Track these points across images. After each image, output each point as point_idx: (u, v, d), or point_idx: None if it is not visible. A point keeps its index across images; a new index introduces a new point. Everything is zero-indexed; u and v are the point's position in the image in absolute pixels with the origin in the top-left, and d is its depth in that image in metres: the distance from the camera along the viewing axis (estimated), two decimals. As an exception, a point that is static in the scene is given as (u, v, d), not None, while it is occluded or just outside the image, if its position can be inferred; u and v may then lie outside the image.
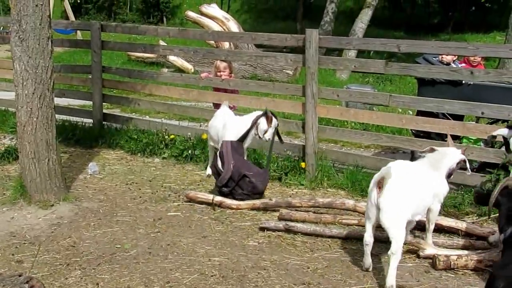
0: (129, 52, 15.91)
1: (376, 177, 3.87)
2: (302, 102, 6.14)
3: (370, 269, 4.07)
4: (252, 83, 6.86)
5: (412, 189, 3.82)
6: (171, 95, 7.27)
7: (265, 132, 5.50)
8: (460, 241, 4.51)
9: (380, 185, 3.79)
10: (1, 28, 20.38)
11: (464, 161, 4.30)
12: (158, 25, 30.34)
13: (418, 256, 4.32)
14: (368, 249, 4.01)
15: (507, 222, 3.19)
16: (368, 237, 3.97)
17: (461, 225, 4.71)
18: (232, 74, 6.94)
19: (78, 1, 32.14)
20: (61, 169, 5.25)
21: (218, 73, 6.84)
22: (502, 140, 4.83)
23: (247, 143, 5.68)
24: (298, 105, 6.26)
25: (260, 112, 5.57)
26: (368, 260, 4.05)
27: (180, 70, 15.08)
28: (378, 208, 3.78)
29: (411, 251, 4.41)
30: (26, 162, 5.04)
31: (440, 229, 4.68)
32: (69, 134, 7.38)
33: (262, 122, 5.49)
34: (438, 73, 5.65)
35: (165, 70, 15.07)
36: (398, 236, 3.70)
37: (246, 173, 5.32)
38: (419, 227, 4.75)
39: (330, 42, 6.13)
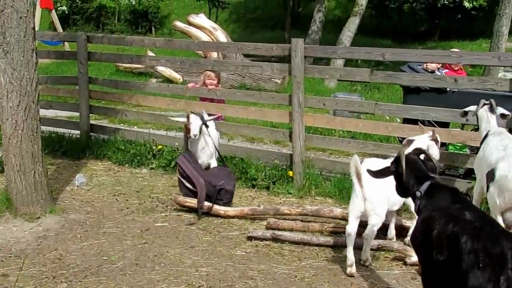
0: (116, 63, 15.89)
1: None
2: (289, 111, 6.16)
3: (354, 269, 4.10)
4: (239, 92, 6.88)
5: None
6: (158, 105, 7.27)
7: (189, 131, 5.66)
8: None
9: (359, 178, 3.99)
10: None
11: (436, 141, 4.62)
12: (147, 35, 30.35)
13: (405, 264, 4.33)
14: (350, 240, 4.12)
15: (417, 182, 3.25)
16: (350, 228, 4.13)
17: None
18: (219, 85, 6.94)
19: (66, 12, 32.15)
20: (47, 181, 5.23)
21: (208, 80, 6.83)
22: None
23: (195, 147, 5.83)
24: (285, 114, 6.28)
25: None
26: (351, 256, 4.11)
27: (168, 80, 15.07)
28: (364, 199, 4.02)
29: (398, 258, 4.43)
30: (12, 174, 5.01)
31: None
32: (56, 146, 7.35)
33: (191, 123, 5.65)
34: (422, 81, 5.69)
35: (154, 80, 15.06)
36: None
37: (220, 185, 5.38)
38: (405, 235, 4.80)
39: (315, 52, 6.18)
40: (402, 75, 5.76)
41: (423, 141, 4.63)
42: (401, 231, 4.81)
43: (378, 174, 3.56)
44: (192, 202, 5.31)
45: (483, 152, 4.36)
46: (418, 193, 3.21)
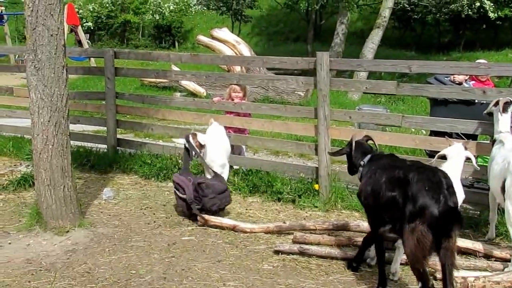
0: (143, 78, 16.09)
1: None
2: (315, 124, 6.16)
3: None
4: (264, 106, 6.89)
5: None
6: (184, 119, 7.33)
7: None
8: (478, 262, 4.46)
9: None
10: (17, 56, 20.81)
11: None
12: (170, 50, 30.71)
13: (435, 278, 4.27)
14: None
15: (361, 156, 4.27)
16: None
17: (478, 246, 4.66)
18: (246, 98, 6.99)
19: (92, 28, 32.68)
20: (76, 195, 5.29)
21: (233, 94, 6.89)
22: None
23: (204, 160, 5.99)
24: (311, 127, 6.28)
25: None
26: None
27: (192, 94, 15.22)
28: None
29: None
30: (42, 189, 5.08)
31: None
32: (84, 160, 7.44)
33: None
34: (450, 93, 5.65)
35: (178, 94, 15.22)
36: None
37: (200, 181, 5.50)
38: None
39: (341, 65, 6.18)
40: (429, 87, 5.73)
41: (459, 151, 4.66)
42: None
43: (336, 153, 4.77)
44: (216, 220, 5.32)
45: (490, 160, 4.43)
46: (362, 163, 4.21)
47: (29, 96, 4.95)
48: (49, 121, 4.94)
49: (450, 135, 5.93)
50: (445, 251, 3.47)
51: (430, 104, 6.49)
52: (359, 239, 4.96)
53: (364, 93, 14.64)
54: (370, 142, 4.53)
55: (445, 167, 4.46)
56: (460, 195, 4.38)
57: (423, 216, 3.41)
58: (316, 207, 6.01)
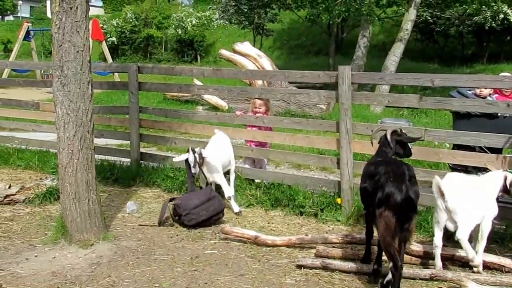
0: (166, 92, 16.25)
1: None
2: (336, 138, 6.15)
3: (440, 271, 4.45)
4: (286, 120, 6.91)
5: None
6: (206, 133, 7.38)
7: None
8: (504, 278, 4.39)
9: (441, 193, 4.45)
10: (42, 71, 21.20)
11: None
12: (192, 64, 30.99)
13: (503, 271, 4.23)
14: (438, 252, 4.57)
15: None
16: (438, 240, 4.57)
17: (504, 261, 4.60)
18: (269, 112, 7.02)
19: (116, 43, 33.19)
20: (100, 209, 5.36)
21: (255, 109, 6.94)
22: None
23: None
24: (332, 140, 6.28)
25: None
26: (439, 262, 4.57)
27: (214, 107, 15.33)
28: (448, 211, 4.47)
29: (452, 288, 4.32)
30: (67, 202, 5.16)
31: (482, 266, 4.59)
32: (108, 174, 7.54)
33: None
34: (473, 106, 5.61)
35: (200, 108, 15.34)
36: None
37: (174, 202, 5.84)
38: (459, 264, 4.69)
39: (363, 78, 6.18)
40: (452, 100, 5.69)
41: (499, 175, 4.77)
42: (453, 260, 4.72)
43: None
44: (238, 232, 5.34)
45: None
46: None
47: (55, 111, 5.05)
48: (74, 135, 5.03)
49: (473, 148, 5.88)
50: (406, 232, 4.01)
51: (453, 117, 6.44)
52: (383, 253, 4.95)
53: (386, 106, 14.57)
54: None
55: (484, 182, 4.70)
56: (494, 210, 4.62)
57: (388, 202, 3.93)
58: (339, 221, 5.99)
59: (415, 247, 4.84)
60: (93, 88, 5.15)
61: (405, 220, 3.96)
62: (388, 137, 4.64)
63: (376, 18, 20.11)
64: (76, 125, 5.02)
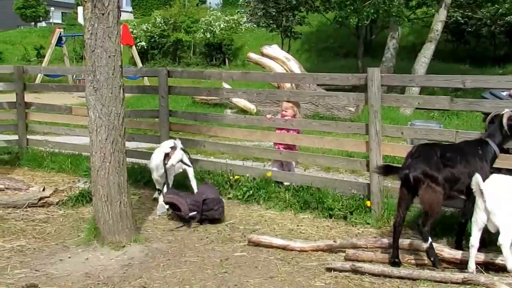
0: (195, 96, 16.35)
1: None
2: (366, 140, 6.12)
3: (474, 273, 4.41)
4: (315, 122, 6.91)
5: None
6: (235, 136, 7.44)
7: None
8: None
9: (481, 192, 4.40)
10: (74, 76, 21.60)
11: None
12: (221, 67, 31.15)
13: None
14: (473, 252, 4.49)
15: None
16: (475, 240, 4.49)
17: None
18: (298, 115, 7.00)
19: (145, 47, 33.60)
20: (132, 211, 5.44)
21: (283, 112, 6.97)
22: None
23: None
24: (362, 143, 6.25)
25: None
26: (473, 264, 4.49)
27: (243, 110, 15.37)
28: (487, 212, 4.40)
29: (485, 292, 4.26)
30: (99, 204, 5.26)
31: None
32: (138, 177, 7.63)
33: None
34: (506, 107, 5.50)
35: (229, 111, 15.40)
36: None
37: (204, 197, 6.05)
38: (493, 268, 4.61)
39: (392, 80, 6.14)
40: (484, 102, 5.61)
41: None
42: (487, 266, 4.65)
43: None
44: (266, 240, 5.34)
45: None
46: None
47: (88, 115, 5.15)
48: (106, 139, 5.12)
49: (507, 151, 5.77)
50: None
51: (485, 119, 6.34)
52: (413, 257, 4.91)
53: (416, 108, 14.40)
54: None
55: None
56: None
57: None
58: (369, 223, 5.95)
59: (447, 253, 4.78)
60: (124, 93, 5.24)
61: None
62: (504, 121, 4.97)
63: (406, 19, 19.88)
64: (108, 129, 5.11)
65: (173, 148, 6.46)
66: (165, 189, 6.44)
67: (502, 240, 4.33)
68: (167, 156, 6.41)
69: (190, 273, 4.74)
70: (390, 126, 6.30)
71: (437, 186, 4.65)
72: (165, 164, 6.37)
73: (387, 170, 5.00)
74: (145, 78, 19.17)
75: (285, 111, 6.91)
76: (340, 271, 4.70)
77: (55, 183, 7.73)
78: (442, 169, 4.69)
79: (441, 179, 4.66)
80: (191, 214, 5.95)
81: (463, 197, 4.85)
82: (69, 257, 5.09)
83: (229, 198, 6.93)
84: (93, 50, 5.01)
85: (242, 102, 15.49)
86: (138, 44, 32.06)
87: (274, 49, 16.20)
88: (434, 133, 5.89)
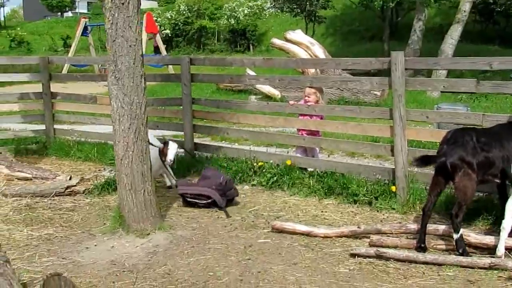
0: (218, 83, 16.36)
1: None
2: (390, 125, 6.04)
3: (503, 257, 4.38)
4: (338, 108, 6.85)
5: None
6: (258, 123, 7.42)
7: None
8: None
9: None
10: (100, 65, 21.78)
11: None
12: (245, 53, 31.08)
13: None
14: (504, 235, 4.43)
15: None
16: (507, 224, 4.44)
17: None
18: (321, 101, 6.94)
19: (169, 35, 33.70)
20: (156, 199, 5.48)
21: (306, 98, 6.92)
22: None
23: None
24: (386, 128, 6.16)
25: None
26: (502, 247, 4.43)
27: (267, 96, 15.33)
28: None
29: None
30: (124, 193, 5.31)
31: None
32: (162, 165, 7.67)
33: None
34: (535, 89, 5.38)
35: (253, 97, 15.37)
36: None
37: (222, 180, 6.14)
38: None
39: (416, 64, 6.02)
40: (511, 84, 5.46)
41: None
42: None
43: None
44: (289, 226, 5.32)
45: None
46: None
47: (111, 104, 5.19)
48: (129, 128, 5.15)
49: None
50: None
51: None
52: (439, 242, 4.85)
53: (442, 92, 14.16)
54: None
55: None
56: None
57: None
58: (394, 209, 5.89)
59: (473, 237, 4.70)
60: (146, 81, 5.26)
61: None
62: None
63: (432, 0, 19.49)
64: (130, 118, 5.14)
65: (166, 143, 6.62)
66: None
67: None
68: (162, 152, 6.58)
69: (214, 260, 4.76)
70: (415, 110, 6.19)
71: (473, 172, 4.59)
72: (163, 161, 6.58)
73: (425, 161, 4.91)
74: (170, 66, 19.23)
75: (308, 97, 6.85)
76: (365, 257, 4.67)
77: (81, 171, 7.84)
78: (479, 154, 4.62)
79: (476, 165, 4.60)
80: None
81: (497, 180, 4.76)
82: (95, 245, 5.16)
83: (253, 185, 6.93)
84: (114, 40, 5.03)
85: (266, 88, 15.44)
86: (162, 32, 32.17)
87: (298, 34, 16.10)
88: (460, 116, 5.79)
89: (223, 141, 9.19)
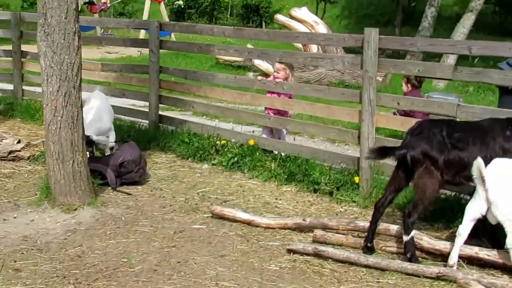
0: (217, 56, 15.77)
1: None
2: (359, 110, 5.46)
3: (455, 267, 3.86)
4: (307, 87, 6.27)
5: None
6: (225, 98, 6.86)
7: None
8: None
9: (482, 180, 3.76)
10: (102, 30, 21.22)
11: None
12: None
13: None
14: (459, 241, 3.90)
15: None
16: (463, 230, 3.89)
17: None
18: (290, 78, 6.36)
19: (182, 6, 33.04)
20: (87, 172, 4.99)
21: (275, 74, 6.36)
22: None
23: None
24: (355, 112, 5.57)
25: None
26: (455, 255, 3.89)
27: (265, 74, 14.72)
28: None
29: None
30: (51, 162, 4.83)
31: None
32: (124, 135, 7.15)
33: None
34: (516, 79, 4.74)
35: (251, 74, 14.78)
36: None
37: (120, 160, 5.56)
38: (478, 263, 3.98)
39: (391, 43, 5.39)
40: (492, 72, 4.81)
41: None
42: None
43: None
44: (229, 213, 4.80)
45: None
46: None
47: (40, 63, 4.68)
48: (58, 90, 4.65)
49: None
50: None
51: (499, 93, 5.58)
52: (390, 244, 4.32)
53: (447, 79, 13.42)
54: None
55: None
56: None
57: None
58: (354, 202, 5.35)
59: (426, 242, 4.15)
60: (80, 40, 4.72)
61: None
62: None
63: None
64: (60, 80, 4.64)
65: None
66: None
67: (509, 243, 3.68)
68: None
69: (136, 244, 4.29)
70: (386, 95, 5.58)
71: (436, 170, 4.01)
72: None
73: (381, 153, 4.26)
74: (142, 31, 18.31)
75: (277, 73, 6.28)
76: (302, 254, 4.17)
77: (38, 136, 7.34)
78: (448, 151, 4.01)
79: (444, 163, 4.00)
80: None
81: (472, 184, 4.01)
82: (15, 217, 4.73)
83: (213, 164, 6.41)
84: (44, -11, 4.49)
85: (264, 65, 14.79)
86: (175, 3, 31.53)
87: (303, 12, 15.48)
88: (433, 105, 5.17)
89: (189, 114, 8.63)
